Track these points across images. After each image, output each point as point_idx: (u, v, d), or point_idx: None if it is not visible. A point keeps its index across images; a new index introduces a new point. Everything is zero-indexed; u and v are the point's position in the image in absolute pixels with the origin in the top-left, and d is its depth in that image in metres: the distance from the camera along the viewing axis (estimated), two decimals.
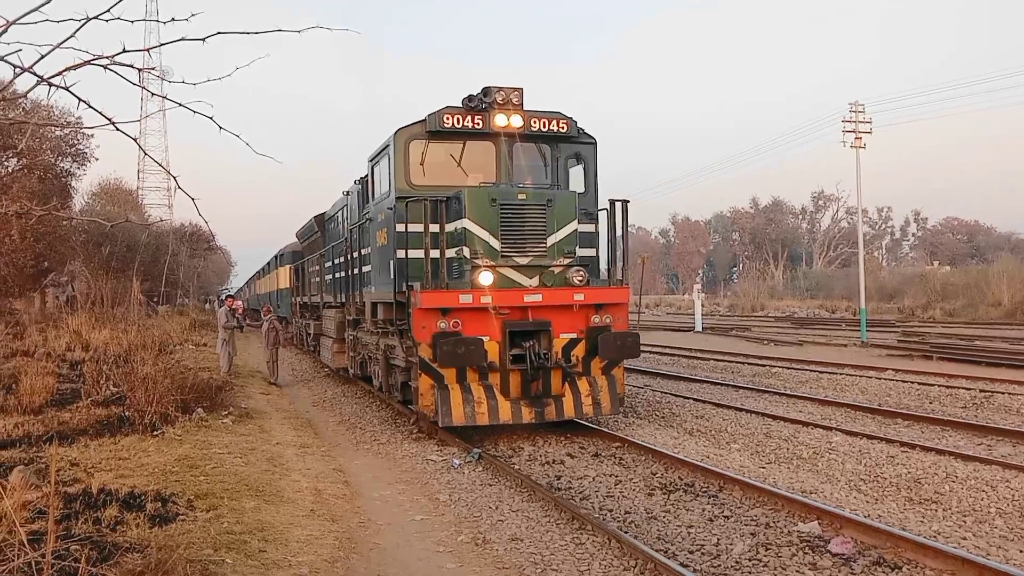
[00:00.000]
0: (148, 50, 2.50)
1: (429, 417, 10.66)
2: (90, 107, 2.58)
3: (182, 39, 2.47)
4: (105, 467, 7.91)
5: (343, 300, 16.07)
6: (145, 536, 5.44)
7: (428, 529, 7.07)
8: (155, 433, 9.67)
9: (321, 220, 20.84)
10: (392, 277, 11.23)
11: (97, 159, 31.53)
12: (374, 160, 12.65)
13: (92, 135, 30.35)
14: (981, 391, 13.94)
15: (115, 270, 35.59)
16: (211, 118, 2.62)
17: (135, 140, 2.58)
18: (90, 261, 36.12)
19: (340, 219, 17.62)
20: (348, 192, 16.23)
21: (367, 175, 13.38)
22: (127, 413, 10.43)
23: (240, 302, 20.40)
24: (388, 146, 11.56)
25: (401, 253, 10.83)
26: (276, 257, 32.91)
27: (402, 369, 11.68)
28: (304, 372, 21.47)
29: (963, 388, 14.49)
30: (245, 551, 5.66)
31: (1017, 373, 16.70)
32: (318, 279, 20.66)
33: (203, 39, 2.52)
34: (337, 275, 16.95)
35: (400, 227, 10.84)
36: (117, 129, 2.56)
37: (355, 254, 14.48)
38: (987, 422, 11.43)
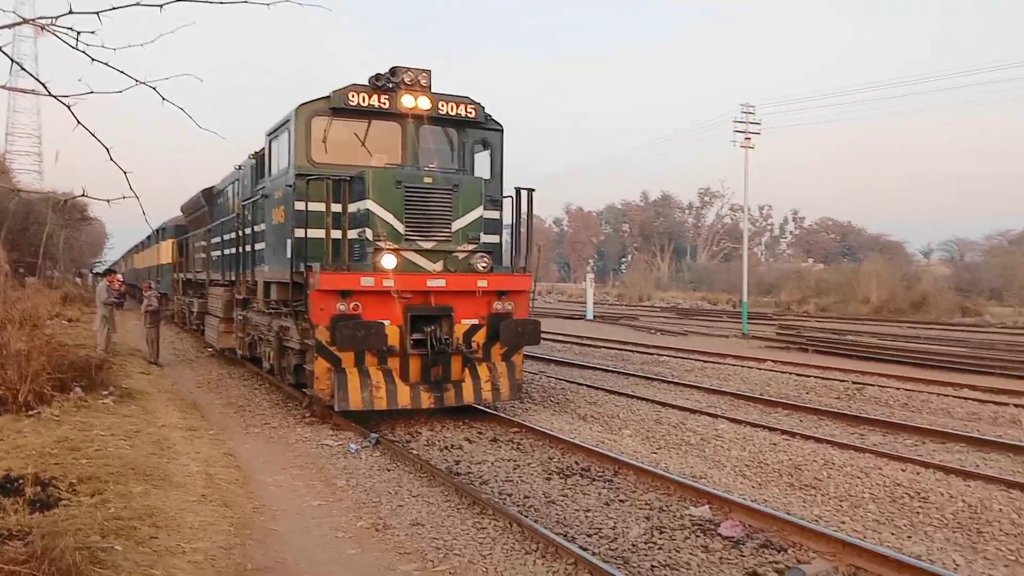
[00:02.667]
0: (99, 13, 2.29)
1: (324, 401, 10.45)
2: (23, 69, 2.35)
3: (137, 3, 2.28)
4: None
5: (232, 278, 15.51)
6: (26, 522, 5.11)
7: (326, 515, 6.94)
8: (30, 413, 9.09)
9: (209, 194, 20.00)
10: (289, 256, 10.93)
11: None
12: (273, 134, 12.24)
13: None
14: (853, 383, 14.80)
15: None
16: (154, 88, 2.43)
17: (69, 108, 2.37)
18: None
19: (230, 194, 16.97)
20: (240, 166, 15.65)
21: (264, 149, 12.93)
22: None
23: (120, 276, 19.32)
24: (289, 121, 11.21)
25: (300, 232, 10.52)
26: (158, 231, 31.42)
27: (296, 351, 11.39)
28: (186, 352, 20.66)
29: (837, 380, 15.36)
30: (135, 538, 5.40)
31: (885, 367, 17.83)
32: (204, 255, 19.86)
33: (160, 5, 2.34)
34: (226, 252, 16.35)
35: (299, 205, 10.53)
36: (51, 95, 2.34)
37: (248, 231, 13.99)
38: (860, 412, 12.15)
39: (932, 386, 14.75)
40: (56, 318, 23.41)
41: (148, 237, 35.99)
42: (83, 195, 2.56)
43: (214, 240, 18.15)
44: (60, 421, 8.95)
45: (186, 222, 24.68)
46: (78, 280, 55.88)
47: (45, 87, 2.35)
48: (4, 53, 2.29)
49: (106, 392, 11.07)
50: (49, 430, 8.42)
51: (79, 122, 2.39)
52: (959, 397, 13.46)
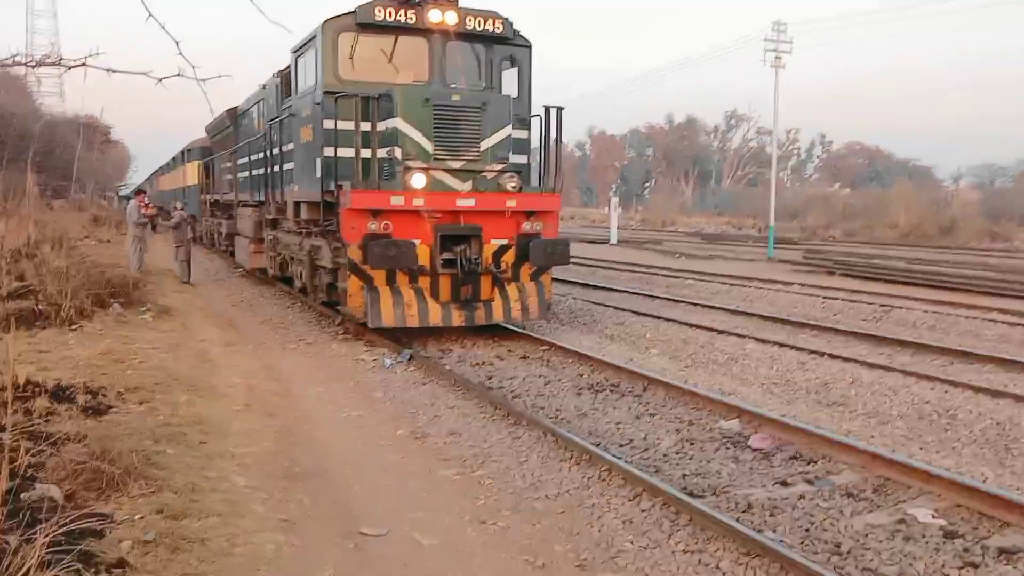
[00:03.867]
0: None
1: (357, 319, 10.61)
2: None
3: None
4: (25, 360, 7.60)
5: (261, 198, 15.59)
6: (81, 427, 5.32)
7: (366, 424, 7.15)
8: (73, 327, 9.33)
9: (234, 114, 19.92)
10: (319, 176, 10.94)
11: None
12: (299, 52, 12.12)
13: None
14: (881, 306, 14.77)
15: (8, 161, 33.39)
16: None
17: (143, 1, 2.36)
18: None
19: (255, 114, 16.91)
20: (265, 86, 15.56)
21: (290, 67, 12.83)
22: (41, 307, 9.98)
23: (147, 199, 19.39)
24: (315, 37, 11.08)
25: (329, 151, 10.52)
26: (183, 152, 31.53)
27: (328, 270, 11.51)
28: (216, 272, 20.96)
29: (864, 303, 15.32)
30: (185, 443, 5.62)
31: (913, 290, 17.75)
32: (231, 176, 19.92)
33: None
34: (254, 172, 16.38)
35: (328, 124, 10.51)
36: None
37: (275, 151, 13.98)
38: (888, 334, 12.14)
39: (960, 309, 14.68)
40: (87, 239, 23.75)
41: (173, 159, 36.08)
42: (180, 74, 2.58)
43: (240, 161, 18.17)
44: (103, 335, 9.20)
45: (211, 143, 24.69)
46: (103, 202, 56.36)
47: None
48: None
49: (144, 308, 11.33)
50: (93, 343, 8.66)
51: (151, 14, 2.39)
52: (988, 320, 13.41)
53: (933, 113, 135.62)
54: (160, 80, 2.70)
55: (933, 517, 5.22)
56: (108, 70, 2.53)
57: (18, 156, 34.23)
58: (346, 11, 10.80)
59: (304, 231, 12.52)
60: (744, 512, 5.28)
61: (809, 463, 6.30)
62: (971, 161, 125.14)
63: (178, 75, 2.59)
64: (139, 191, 19.55)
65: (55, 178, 41.78)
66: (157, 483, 4.69)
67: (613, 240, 36.36)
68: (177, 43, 2.55)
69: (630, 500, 5.38)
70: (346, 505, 5.27)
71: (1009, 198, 53.99)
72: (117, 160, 72.95)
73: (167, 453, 5.29)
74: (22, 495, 4.11)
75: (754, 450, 6.63)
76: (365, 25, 10.75)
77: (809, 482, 5.90)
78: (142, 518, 4.25)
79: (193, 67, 2.67)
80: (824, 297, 16.19)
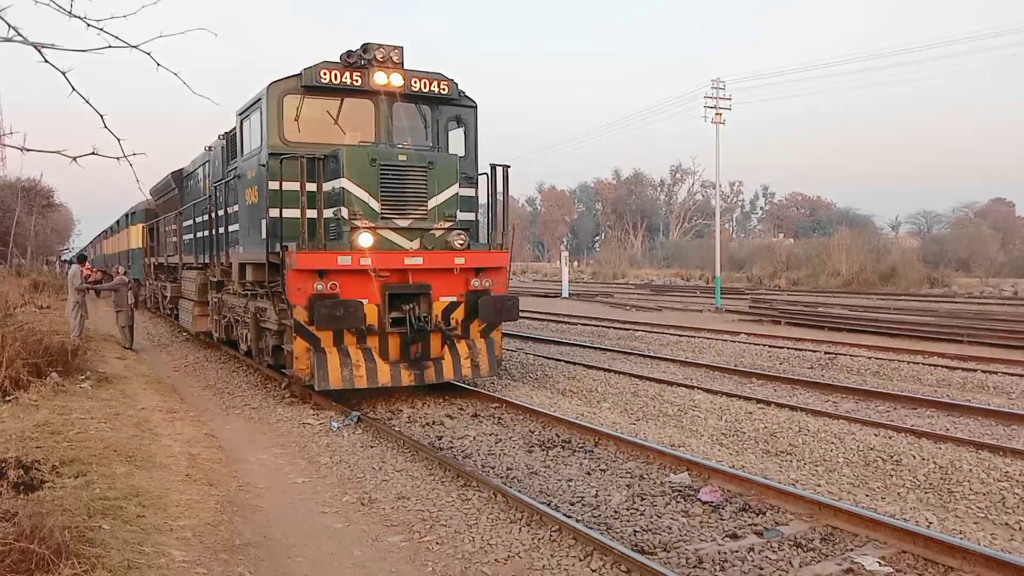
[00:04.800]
0: None
1: (304, 381, 10.44)
2: (19, 35, 2.31)
3: None
4: None
5: (206, 261, 15.38)
6: (11, 504, 5.09)
7: (311, 491, 6.98)
8: (7, 398, 9.00)
9: (179, 176, 19.77)
10: (264, 237, 10.86)
11: None
12: (244, 114, 12.11)
13: None
14: (825, 353, 15.06)
15: None
16: (149, 54, 2.40)
17: (65, 75, 2.33)
18: None
19: (201, 176, 16.81)
20: (211, 148, 15.49)
21: (235, 129, 12.81)
22: None
23: (90, 264, 19.01)
24: (260, 99, 11.10)
25: (274, 212, 10.46)
26: (127, 215, 31.04)
27: (274, 332, 11.35)
28: (160, 337, 20.49)
29: (809, 350, 15.61)
30: (122, 517, 5.41)
31: (856, 337, 18.15)
32: (176, 239, 19.65)
33: None
34: (199, 234, 16.19)
35: (273, 185, 10.47)
36: (47, 61, 2.30)
37: (220, 212, 13.86)
38: (833, 381, 12.38)
39: (902, 354, 15.05)
40: (27, 305, 23.06)
41: (117, 222, 35.49)
42: (94, 152, 2.54)
43: (186, 223, 17.96)
44: (38, 406, 8.88)
45: (156, 206, 24.39)
46: (45, 268, 55.03)
47: (40, 51, 2.32)
48: (2, 19, 2.26)
49: (83, 377, 10.99)
50: (28, 414, 8.35)
51: (74, 88, 2.37)
52: (929, 364, 13.75)
53: (872, 164, 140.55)
54: (75, 159, 2.66)
55: (880, 565, 5.26)
56: (22, 149, 2.50)
57: None
58: (292, 73, 10.88)
59: (250, 293, 12.35)
60: (695, 567, 5.26)
61: (758, 514, 6.32)
62: (909, 209, 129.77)
63: (92, 153, 2.57)
64: (81, 258, 19.18)
65: None
66: (91, 561, 4.49)
67: (565, 294, 36.63)
68: (102, 116, 2.53)
69: (580, 560, 5.32)
70: None
71: (946, 244, 55.94)
72: (60, 224, 71.54)
73: (102, 528, 5.09)
74: None
75: (704, 503, 6.63)
76: (311, 88, 10.82)
77: (758, 533, 5.91)
78: None
79: (119, 139, 2.64)
80: (770, 346, 16.46)
